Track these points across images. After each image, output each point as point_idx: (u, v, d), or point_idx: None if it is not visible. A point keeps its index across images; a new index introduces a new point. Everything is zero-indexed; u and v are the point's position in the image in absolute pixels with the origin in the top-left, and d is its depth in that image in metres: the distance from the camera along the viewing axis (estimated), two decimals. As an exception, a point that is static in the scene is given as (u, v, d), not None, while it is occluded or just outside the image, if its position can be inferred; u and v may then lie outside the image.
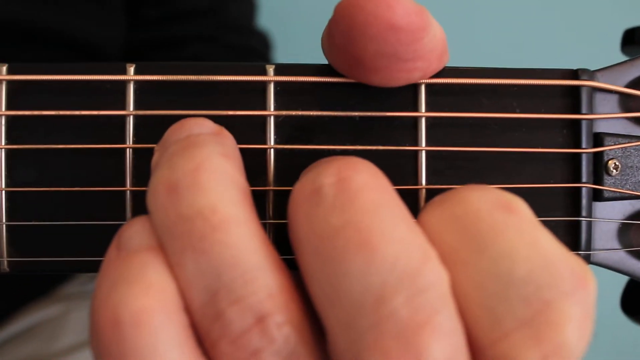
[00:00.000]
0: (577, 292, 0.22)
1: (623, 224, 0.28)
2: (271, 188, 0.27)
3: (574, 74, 0.27)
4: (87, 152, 0.27)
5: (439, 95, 0.27)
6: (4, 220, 0.27)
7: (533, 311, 0.21)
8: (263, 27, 0.73)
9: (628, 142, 0.27)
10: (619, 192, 0.27)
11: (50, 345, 0.59)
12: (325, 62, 0.27)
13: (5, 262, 0.27)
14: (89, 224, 0.27)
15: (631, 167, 0.27)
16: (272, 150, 0.27)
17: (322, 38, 0.26)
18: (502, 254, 0.22)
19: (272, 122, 0.27)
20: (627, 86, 0.28)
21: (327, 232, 0.22)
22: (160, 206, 0.23)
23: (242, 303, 0.22)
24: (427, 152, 0.27)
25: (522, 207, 0.23)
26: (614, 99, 0.28)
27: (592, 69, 0.28)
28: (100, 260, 0.25)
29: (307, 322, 0.23)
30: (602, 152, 0.27)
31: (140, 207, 0.27)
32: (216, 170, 0.23)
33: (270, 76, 0.27)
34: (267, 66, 0.27)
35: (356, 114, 0.27)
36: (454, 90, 0.27)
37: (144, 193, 0.26)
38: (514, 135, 0.27)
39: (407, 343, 0.21)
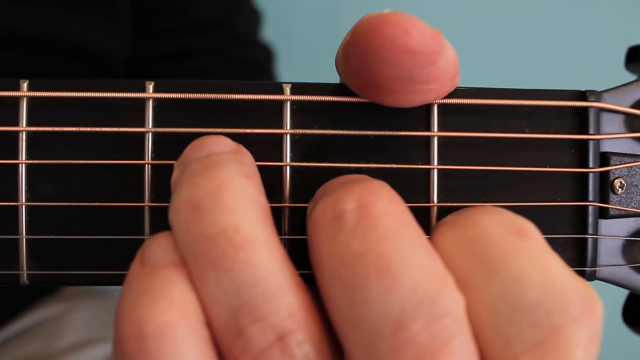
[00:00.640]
0: (585, 317, 0.23)
1: (628, 240, 0.29)
2: (287, 205, 0.27)
3: (582, 95, 0.28)
4: (106, 168, 0.27)
5: (451, 115, 0.27)
6: (24, 234, 0.27)
7: (542, 335, 0.22)
8: (267, 39, 0.73)
9: (633, 162, 0.28)
10: (624, 210, 0.28)
11: (51, 344, 0.60)
12: (338, 80, 0.28)
13: (25, 275, 0.28)
14: (107, 238, 0.27)
15: (636, 185, 0.28)
16: (288, 167, 0.27)
17: (336, 58, 0.27)
18: (514, 279, 0.23)
19: (288, 140, 0.27)
20: (633, 106, 0.28)
21: (349, 257, 0.22)
22: (183, 224, 0.24)
23: (263, 321, 0.23)
24: (439, 170, 0.27)
25: (533, 232, 0.24)
26: (620, 119, 0.28)
27: (597, 85, 0.29)
28: (119, 274, 0.25)
29: (326, 341, 0.23)
30: (608, 171, 0.28)
31: (159, 222, 0.27)
32: (238, 189, 0.24)
33: (287, 95, 0.27)
34: (284, 85, 0.27)
35: (370, 132, 0.27)
36: (466, 110, 0.27)
37: (162, 209, 0.27)
38: (523, 154, 0.28)
39: None
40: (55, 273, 0.28)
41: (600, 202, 0.28)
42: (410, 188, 0.27)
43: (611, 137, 0.28)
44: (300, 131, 0.27)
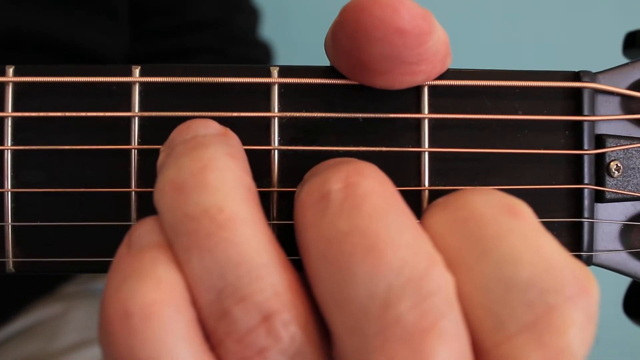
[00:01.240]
0: (580, 297, 0.22)
1: (625, 225, 0.28)
2: (275, 189, 0.27)
3: (576, 76, 0.27)
4: (93, 153, 0.27)
5: (442, 97, 0.27)
6: (9, 221, 0.27)
7: (536, 315, 0.22)
8: (265, 37, 0.73)
9: (630, 144, 0.27)
10: (621, 193, 0.27)
11: (50, 344, 0.60)
12: (327, 60, 0.27)
13: (11, 263, 0.27)
14: (94, 224, 0.27)
15: (633, 168, 0.28)
16: (276, 151, 0.27)
17: (325, 40, 0.26)
18: (506, 259, 0.22)
19: (276, 123, 0.27)
20: (629, 88, 0.28)
21: (335, 237, 0.22)
22: (167, 205, 0.23)
23: (247, 301, 0.22)
24: (430, 153, 0.27)
25: (526, 211, 0.23)
26: (615, 101, 0.28)
27: (594, 71, 0.28)
28: (106, 261, 0.25)
29: (314, 322, 0.23)
30: (604, 153, 0.27)
31: (145, 207, 0.27)
32: (222, 169, 0.23)
33: (275, 78, 0.27)
34: (272, 68, 0.27)
35: (360, 115, 0.27)
36: (457, 92, 0.27)
37: (148, 194, 0.27)
38: (516, 137, 0.27)
39: (413, 348, 0.21)
40: (41, 260, 0.27)
41: (596, 185, 0.27)
42: (401, 171, 0.27)
43: (606, 118, 0.27)
44: (289, 114, 0.27)
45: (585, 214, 0.27)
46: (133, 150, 0.27)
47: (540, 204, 0.27)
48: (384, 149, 0.27)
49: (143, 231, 0.24)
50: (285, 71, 0.27)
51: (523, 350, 0.22)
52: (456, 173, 0.27)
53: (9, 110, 0.27)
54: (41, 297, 0.63)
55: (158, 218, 0.24)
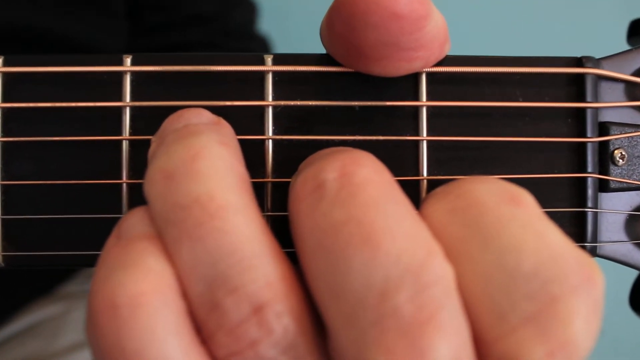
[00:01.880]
0: (585, 287, 0.21)
1: (630, 215, 0.27)
2: (269, 180, 0.26)
3: (579, 61, 0.27)
4: (83, 145, 0.26)
5: (440, 85, 0.26)
6: (-2, 214, 0.26)
7: (539, 306, 0.21)
8: (263, 31, 0.73)
9: (634, 132, 0.27)
10: (626, 182, 0.27)
11: (50, 344, 0.59)
12: (324, 52, 0.26)
13: (0, 257, 0.27)
14: (84, 217, 0.26)
15: (638, 157, 0.27)
16: (270, 141, 0.26)
17: (321, 27, 0.26)
18: (508, 248, 0.21)
19: (270, 112, 0.26)
20: (634, 74, 0.27)
21: (330, 226, 0.21)
22: (157, 194, 0.23)
23: (239, 292, 0.22)
24: (429, 142, 0.26)
25: (528, 200, 0.22)
26: (619, 88, 0.27)
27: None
28: (97, 254, 0.24)
29: (308, 314, 0.22)
30: (608, 141, 0.27)
31: (137, 199, 0.26)
32: (213, 157, 0.23)
33: (269, 66, 0.26)
34: (266, 56, 0.26)
35: (356, 103, 0.26)
36: (456, 80, 0.26)
37: (140, 185, 0.26)
38: (517, 125, 0.26)
39: (410, 340, 0.20)
40: (31, 254, 0.27)
41: (600, 174, 0.26)
42: (399, 161, 0.26)
43: (610, 105, 0.26)
44: (283, 103, 0.26)
45: (589, 204, 0.26)
46: (124, 141, 0.26)
47: (543, 194, 0.26)
48: (380, 137, 0.26)
49: (132, 221, 0.23)
50: (279, 59, 0.26)
51: (526, 343, 0.21)
52: (455, 162, 0.26)
53: (-3, 101, 0.26)
54: (41, 297, 0.63)
55: (148, 208, 0.24)
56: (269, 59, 0.26)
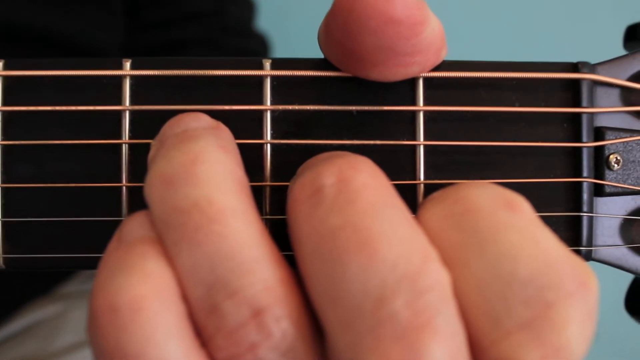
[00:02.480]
0: (579, 293, 0.21)
1: (625, 219, 0.27)
2: (268, 184, 0.26)
3: (574, 67, 0.27)
4: (83, 148, 0.27)
5: (437, 89, 0.26)
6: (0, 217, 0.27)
7: (534, 312, 0.21)
8: (261, 29, 0.73)
9: (630, 137, 0.27)
10: (621, 187, 0.27)
11: (49, 345, 0.59)
12: (322, 56, 0.27)
13: (1, 259, 0.27)
14: (84, 220, 0.27)
15: (633, 161, 0.27)
16: (268, 145, 0.26)
17: (319, 31, 0.26)
18: (504, 254, 0.22)
19: (268, 116, 0.26)
20: (629, 80, 0.27)
21: (328, 232, 0.22)
22: (157, 198, 0.23)
23: (238, 296, 0.22)
24: (426, 146, 0.26)
25: (524, 206, 0.23)
26: (615, 93, 0.27)
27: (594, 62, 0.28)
28: (97, 257, 0.25)
29: (307, 318, 0.22)
30: (603, 146, 0.27)
31: (136, 202, 0.27)
32: (212, 162, 0.23)
33: (267, 70, 0.26)
34: (264, 60, 0.26)
35: (353, 108, 0.26)
36: (453, 84, 0.26)
37: (139, 189, 0.26)
38: (513, 130, 0.27)
39: (407, 345, 0.21)
40: (32, 256, 0.27)
41: (595, 179, 0.27)
42: (396, 165, 0.26)
43: (606, 110, 0.27)
44: (281, 107, 0.26)
45: (585, 208, 0.27)
46: (124, 144, 0.27)
47: (538, 198, 0.27)
48: (378, 142, 0.26)
49: (133, 225, 0.24)
50: (277, 64, 0.26)
51: (521, 348, 0.21)
52: (452, 166, 0.26)
53: (-2, 105, 0.27)
54: (40, 297, 0.63)
55: (149, 213, 0.24)
56: (267, 63, 0.26)
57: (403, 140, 0.26)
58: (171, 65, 0.27)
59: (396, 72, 0.25)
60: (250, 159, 0.26)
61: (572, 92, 0.27)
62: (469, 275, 0.22)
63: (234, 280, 0.22)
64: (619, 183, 0.27)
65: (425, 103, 0.26)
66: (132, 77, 0.27)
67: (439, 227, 0.23)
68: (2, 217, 0.27)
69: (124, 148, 0.27)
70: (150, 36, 0.67)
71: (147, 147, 0.25)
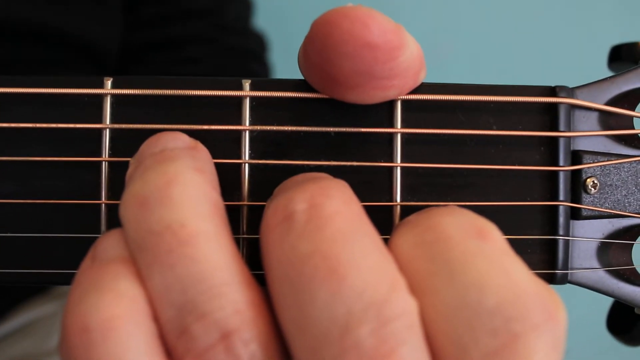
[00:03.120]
0: (546, 325, 0.22)
1: (602, 243, 0.27)
2: (245, 203, 0.27)
3: (552, 91, 0.27)
4: (64, 165, 0.27)
5: (415, 112, 0.27)
6: (-20, 232, 0.27)
7: (500, 342, 0.21)
8: (259, 28, 0.73)
9: (607, 160, 0.27)
10: (598, 210, 0.27)
11: (44, 343, 0.60)
12: (302, 77, 0.27)
13: None
14: (64, 236, 0.27)
15: (610, 185, 0.27)
16: (246, 165, 0.27)
17: (298, 54, 0.26)
18: (473, 283, 0.22)
19: (247, 136, 0.27)
20: (607, 104, 0.27)
21: (297, 258, 0.22)
22: (131, 219, 0.23)
23: (207, 318, 0.22)
24: (402, 168, 0.26)
25: (495, 234, 0.23)
26: (593, 116, 0.27)
27: (581, 83, 0.28)
28: (73, 273, 0.25)
29: (276, 342, 0.23)
30: (580, 170, 0.27)
31: (115, 220, 0.27)
32: (187, 184, 0.23)
33: (246, 91, 0.27)
34: (243, 81, 0.27)
35: (331, 129, 0.26)
36: (431, 107, 0.27)
37: (118, 206, 0.26)
38: (490, 152, 0.27)
39: None
40: (10, 272, 0.27)
41: (571, 202, 0.27)
42: (373, 186, 0.26)
43: (581, 134, 0.27)
44: (259, 127, 0.27)
45: (561, 232, 0.27)
46: (104, 162, 0.27)
47: (515, 221, 0.27)
48: (355, 163, 0.26)
49: (107, 244, 0.24)
50: (256, 84, 0.27)
51: None
52: (429, 188, 0.27)
53: (-20, 121, 0.27)
54: (36, 296, 0.63)
55: (123, 231, 0.24)
56: (246, 84, 0.27)
57: (380, 161, 0.26)
58: (152, 84, 0.27)
59: (374, 95, 0.25)
60: (229, 178, 0.26)
61: (549, 115, 0.27)
62: (438, 303, 0.22)
63: (204, 303, 0.22)
64: (595, 206, 0.27)
65: (403, 125, 0.26)
66: (113, 96, 0.27)
67: (409, 254, 0.23)
68: (-17, 232, 0.27)
69: (104, 165, 0.27)
70: (149, 33, 0.67)
71: (126, 164, 0.26)
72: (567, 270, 0.27)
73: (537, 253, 0.27)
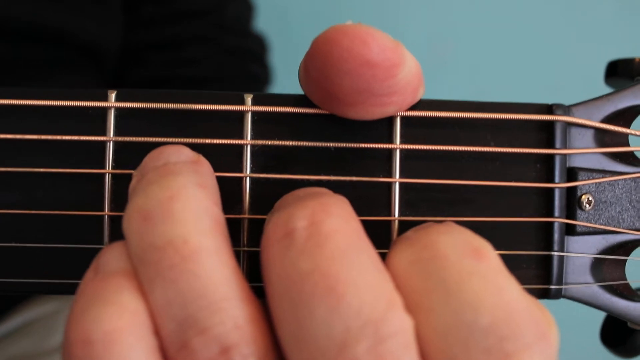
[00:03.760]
0: (538, 344, 0.22)
1: (596, 258, 0.28)
2: (246, 216, 0.27)
3: (549, 108, 0.27)
4: (68, 176, 0.27)
5: (414, 128, 0.27)
6: (-17, 242, 0.27)
7: None
8: (260, 30, 0.73)
9: (602, 177, 0.27)
10: (592, 226, 0.27)
11: (43, 343, 0.60)
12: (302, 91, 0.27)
13: None
14: (66, 247, 0.27)
15: (605, 202, 0.28)
16: (248, 178, 0.27)
17: (299, 70, 0.26)
18: (468, 302, 0.22)
19: (248, 151, 0.27)
20: (603, 121, 0.28)
21: (296, 275, 0.22)
22: (134, 233, 0.24)
23: (207, 333, 0.22)
24: (401, 183, 0.27)
25: (490, 254, 0.23)
26: (589, 134, 0.28)
27: (574, 100, 0.28)
28: (78, 283, 0.25)
29: (274, 357, 0.23)
30: (575, 186, 0.27)
31: (118, 231, 0.27)
32: (190, 200, 0.24)
33: (248, 106, 0.27)
34: (246, 95, 0.27)
35: (331, 144, 0.27)
36: (429, 123, 0.27)
37: (121, 218, 0.27)
38: (487, 169, 0.27)
39: None
40: (14, 281, 0.28)
41: (566, 219, 0.27)
42: (372, 201, 0.27)
43: (577, 151, 0.27)
44: (261, 142, 0.27)
45: (555, 247, 0.27)
46: (107, 174, 0.27)
47: (511, 236, 0.27)
48: (354, 178, 0.27)
49: (110, 257, 0.24)
50: (259, 99, 0.27)
51: None
52: (427, 204, 0.27)
53: (-15, 132, 0.27)
54: (35, 296, 0.64)
55: (126, 243, 0.25)
56: (248, 98, 0.27)
57: (379, 177, 0.27)
58: (155, 98, 0.27)
59: (373, 112, 0.26)
60: (230, 191, 0.27)
61: (546, 133, 0.27)
62: (433, 321, 0.22)
63: (205, 318, 0.22)
64: (590, 223, 0.27)
65: (402, 141, 0.27)
66: (117, 109, 0.27)
67: (406, 272, 0.23)
68: (-14, 241, 0.27)
69: (107, 177, 0.27)
70: (149, 33, 0.67)
71: (129, 176, 0.26)
72: (562, 285, 0.27)
73: (532, 268, 0.27)
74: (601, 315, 0.33)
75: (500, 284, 0.23)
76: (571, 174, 0.27)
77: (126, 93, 0.27)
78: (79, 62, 0.61)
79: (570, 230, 0.27)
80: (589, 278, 0.28)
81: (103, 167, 0.27)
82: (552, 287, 0.27)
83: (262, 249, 0.24)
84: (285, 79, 0.72)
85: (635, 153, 0.29)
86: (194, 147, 0.26)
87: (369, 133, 0.27)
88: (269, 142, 0.27)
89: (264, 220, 0.26)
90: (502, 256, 0.24)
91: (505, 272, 0.23)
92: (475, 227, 0.26)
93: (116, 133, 0.27)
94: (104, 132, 0.27)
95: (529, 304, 0.22)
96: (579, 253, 0.28)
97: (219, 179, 0.26)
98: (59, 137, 0.27)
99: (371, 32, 0.24)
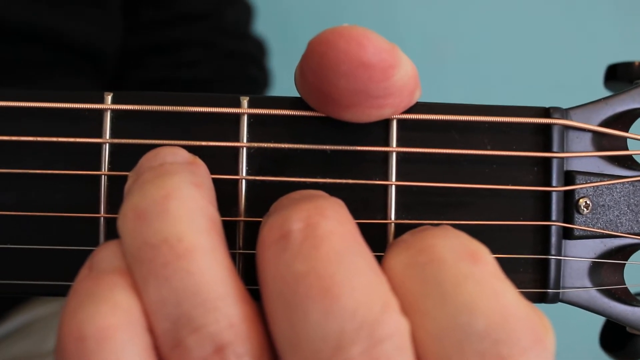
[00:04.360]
0: (534, 349, 0.22)
1: (594, 262, 0.28)
2: (242, 219, 0.27)
3: (546, 112, 0.27)
4: (63, 178, 0.27)
5: (410, 131, 0.27)
6: (-21, 243, 0.27)
7: None
8: (259, 33, 0.73)
9: (600, 181, 0.27)
10: (590, 230, 0.27)
11: (42, 344, 0.60)
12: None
13: None
14: (62, 248, 0.27)
15: (603, 205, 0.27)
16: (243, 181, 0.27)
17: (295, 73, 0.26)
18: (464, 306, 0.22)
19: (244, 153, 0.27)
20: (601, 124, 0.28)
21: (292, 277, 0.22)
22: (128, 232, 0.24)
23: (201, 332, 0.22)
24: (397, 186, 0.27)
25: (486, 257, 0.23)
26: (587, 137, 0.28)
27: (578, 102, 0.28)
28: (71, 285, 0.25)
29: (268, 356, 0.23)
30: (573, 190, 0.27)
31: (114, 233, 0.27)
32: (185, 198, 0.24)
33: (244, 108, 0.27)
34: (242, 98, 0.27)
35: (327, 147, 0.27)
36: (426, 126, 0.27)
37: (116, 218, 0.27)
38: (484, 172, 0.27)
39: None
40: (10, 283, 0.28)
41: (564, 222, 0.27)
42: (368, 204, 0.27)
43: (574, 155, 0.27)
44: (257, 144, 0.27)
45: (553, 251, 0.27)
46: (103, 176, 0.27)
47: (508, 240, 0.27)
48: (350, 181, 0.27)
49: (104, 255, 0.24)
50: (254, 101, 0.27)
51: None
52: (423, 207, 0.27)
53: (-19, 134, 0.27)
54: (33, 298, 0.64)
55: (120, 242, 0.25)
56: (244, 101, 0.27)
57: (375, 179, 0.27)
58: (151, 100, 0.27)
59: (369, 114, 0.26)
60: (226, 193, 0.27)
61: (543, 136, 0.27)
62: (428, 324, 0.22)
63: (199, 317, 0.22)
64: (588, 227, 0.27)
65: (399, 144, 0.27)
66: (113, 111, 0.27)
67: (402, 275, 0.23)
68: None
69: (103, 179, 0.27)
70: (148, 36, 0.67)
71: (125, 178, 0.26)
72: (559, 289, 0.27)
73: (529, 272, 0.27)
74: (600, 320, 0.32)
75: (497, 288, 0.22)
76: (569, 177, 0.27)
77: (122, 95, 0.27)
78: (78, 64, 0.61)
79: (567, 234, 0.27)
80: (586, 282, 0.28)
81: (99, 169, 0.27)
82: (550, 291, 0.27)
83: (257, 251, 0.24)
84: (285, 82, 0.72)
85: (634, 157, 0.28)
86: (190, 149, 0.26)
87: (365, 136, 0.27)
88: (265, 145, 0.27)
89: (259, 222, 0.26)
90: (499, 260, 0.24)
91: (501, 275, 0.23)
92: (472, 231, 0.26)
93: (112, 135, 0.27)
94: (100, 134, 0.27)
95: (525, 308, 0.22)
96: (576, 257, 0.28)
97: (214, 181, 0.26)
98: (55, 139, 0.27)
99: (367, 33, 0.24)
